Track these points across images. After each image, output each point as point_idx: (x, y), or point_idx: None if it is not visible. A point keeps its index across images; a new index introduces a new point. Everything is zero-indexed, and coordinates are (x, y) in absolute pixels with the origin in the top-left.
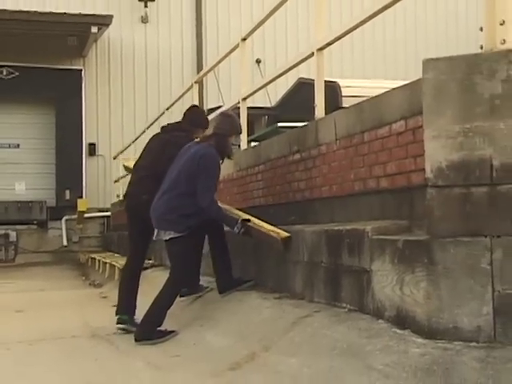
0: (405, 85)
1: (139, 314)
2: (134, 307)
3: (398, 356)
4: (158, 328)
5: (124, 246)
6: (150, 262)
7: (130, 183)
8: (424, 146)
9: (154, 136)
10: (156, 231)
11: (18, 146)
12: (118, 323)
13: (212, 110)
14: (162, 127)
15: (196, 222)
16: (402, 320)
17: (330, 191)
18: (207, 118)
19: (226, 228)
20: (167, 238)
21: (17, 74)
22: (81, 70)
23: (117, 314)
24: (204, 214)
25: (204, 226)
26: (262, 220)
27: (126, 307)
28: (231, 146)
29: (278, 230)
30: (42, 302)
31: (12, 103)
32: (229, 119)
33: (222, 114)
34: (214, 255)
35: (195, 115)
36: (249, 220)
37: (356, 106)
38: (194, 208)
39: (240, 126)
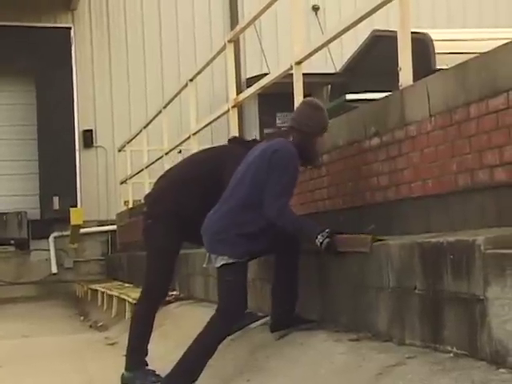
0: None
1: (162, 365)
2: (145, 355)
3: None
4: None
5: (137, 273)
6: (174, 293)
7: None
8: None
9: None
10: (207, 256)
11: None
12: (122, 383)
13: (253, 80)
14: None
15: (260, 247)
16: None
17: (424, 188)
18: None
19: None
20: (219, 264)
21: None
22: (69, 29)
23: (126, 369)
24: (270, 232)
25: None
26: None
27: (133, 359)
28: (318, 149)
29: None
30: (26, 352)
31: None
32: (320, 113)
33: (308, 104)
34: (277, 279)
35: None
36: (341, 232)
37: (457, 68)
38: (260, 225)
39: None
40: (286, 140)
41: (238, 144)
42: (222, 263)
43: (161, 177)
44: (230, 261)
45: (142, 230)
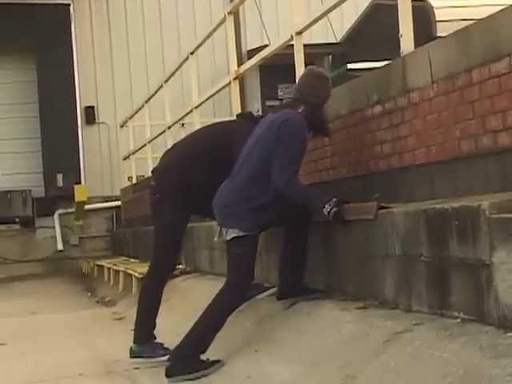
0: None
1: (169, 338)
2: (153, 328)
3: None
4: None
5: (143, 248)
6: (180, 267)
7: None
8: None
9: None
10: (218, 230)
11: None
12: (131, 356)
13: (254, 52)
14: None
15: (269, 218)
16: None
17: (428, 155)
18: None
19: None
20: (230, 237)
21: None
22: (68, 5)
23: (134, 342)
24: (279, 204)
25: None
26: None
27: (141, 332)
28: (326, 118)
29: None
30: (34, 329)
31: None
32: (323, 82)
33: (311, 74)
34: (286, 249)
35: None
36: (348, 201)
37: (458, 34)
38: (268, 198)
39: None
40: (293, 111)
41: (246, 119)
42: (232, 236)
43: (167, 151)
44: (241, 234)
45: (149, 204)
